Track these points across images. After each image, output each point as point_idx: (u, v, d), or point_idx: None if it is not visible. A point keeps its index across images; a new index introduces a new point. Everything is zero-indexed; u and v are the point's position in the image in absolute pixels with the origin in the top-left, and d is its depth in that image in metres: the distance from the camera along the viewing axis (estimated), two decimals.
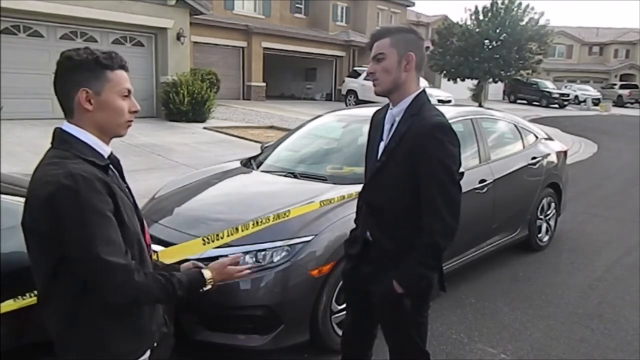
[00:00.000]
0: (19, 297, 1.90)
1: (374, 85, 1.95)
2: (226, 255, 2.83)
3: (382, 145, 2.00)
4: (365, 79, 18.61)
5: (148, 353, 1.56)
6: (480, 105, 20.20)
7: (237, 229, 2.78)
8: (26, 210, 1.35)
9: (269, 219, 2.89)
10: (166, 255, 2.64)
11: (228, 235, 2.75)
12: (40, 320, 1.48)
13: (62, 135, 1.40)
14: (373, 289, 2.04)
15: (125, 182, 1.55)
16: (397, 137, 1.93)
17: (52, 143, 1.42)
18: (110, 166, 1.46)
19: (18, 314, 1.86)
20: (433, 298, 2.07)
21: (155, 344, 1.59)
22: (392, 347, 2.12)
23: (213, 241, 2.72)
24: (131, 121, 1.48)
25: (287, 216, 2.95)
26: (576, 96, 32.47)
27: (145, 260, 1.49)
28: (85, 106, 1.38)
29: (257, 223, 2.86)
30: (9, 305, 1.88)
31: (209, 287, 1.57)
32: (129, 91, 1.45)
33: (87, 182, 1.28)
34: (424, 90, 1.97)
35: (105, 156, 1.44)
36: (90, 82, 1.37)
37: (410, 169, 1.88)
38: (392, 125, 1.97)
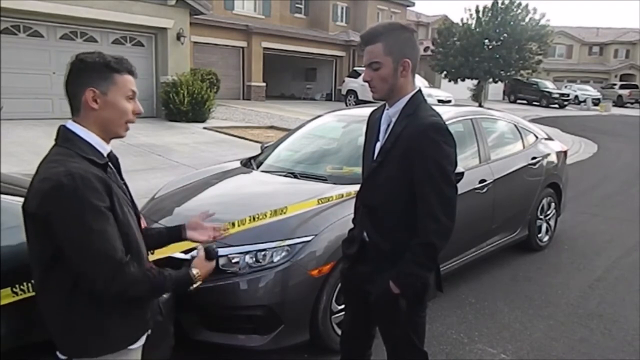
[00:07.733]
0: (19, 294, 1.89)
1: (371, 91, 1.96)
2: (226, 256, 2.87)
3: (378, 145, 2.01)
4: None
5: (144, 338, 1.63)
6: (480, 105, 20.21)
7: (233, 224, 2.79)
8: (27, 200, 1.43)
9: (265, 215, 2.91)
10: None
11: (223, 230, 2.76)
12: (41, 319, 1.50)
13: (65, 133, 1.49)
14: (370, 289, 2.04)
15: (123, 179, 1.63)
16: (392, 137, 1.93)
17: (56, 140, 1.50)
18: (109, 164, 1.55)
19: (17, 314, 1.86)
20: (430, 298, 2.07)
21: (150, 331, 1.66)
22: (390, 347, 2.12)
23: None
24: (132, 122, 1.57)
25: (285, 212, 2.96)
26: (576, 96, 32.46)
27: (140, 253, 1.56)
28: (92, 105, 1.47)
29: (254, 218, 2.88)
30: (8, 295, 1.88)
31: (197, 284, 1.65)
32: (134, 93, 1.55)
33: (84, 180, 1.37)
34: (419, 90, 1.97)
35: (105, 154, 1.53)
36: (98, 83, 1.47)
37: (406, 169, 1.89)
38: (388, 125, 1.98)
